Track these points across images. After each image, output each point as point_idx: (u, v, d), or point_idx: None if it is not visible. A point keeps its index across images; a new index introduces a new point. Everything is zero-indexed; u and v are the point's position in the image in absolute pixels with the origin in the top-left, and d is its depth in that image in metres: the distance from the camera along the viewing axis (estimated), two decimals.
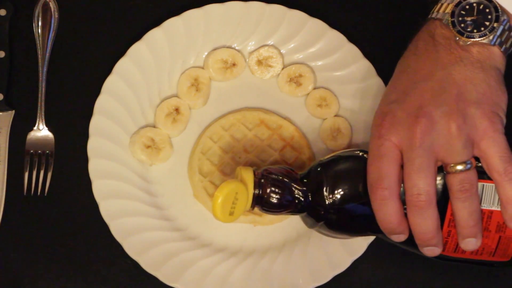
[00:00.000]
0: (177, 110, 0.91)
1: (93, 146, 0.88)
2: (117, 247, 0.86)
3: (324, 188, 0.79)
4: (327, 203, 0.79)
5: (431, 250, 0.77)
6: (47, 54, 0.93)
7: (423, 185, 0.74)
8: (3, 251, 0.88)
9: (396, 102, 0.77)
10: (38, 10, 0.94)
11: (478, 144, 0.74)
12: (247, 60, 0.94)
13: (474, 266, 0.81)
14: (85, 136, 0.89)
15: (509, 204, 0.74)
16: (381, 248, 0.87)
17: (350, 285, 0.87)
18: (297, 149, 0.90)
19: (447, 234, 0.77)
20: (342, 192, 0.78)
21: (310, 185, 0.80)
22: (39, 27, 0.94)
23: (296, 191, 0.80)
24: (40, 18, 0.94)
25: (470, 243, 0.76)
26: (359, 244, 0.86)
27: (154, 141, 0.90)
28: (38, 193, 0.89)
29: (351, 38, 0.92)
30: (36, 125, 0.91)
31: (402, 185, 0.76)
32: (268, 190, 0.80)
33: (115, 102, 0.90)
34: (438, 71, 0.76)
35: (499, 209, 0.76)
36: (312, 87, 0.93)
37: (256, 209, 0.88)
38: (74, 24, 0.95)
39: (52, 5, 0.94)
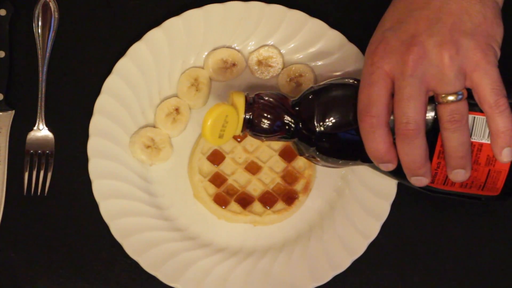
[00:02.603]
0: (177, 110, 0.91)
1: (93, 146, 0.88)
2: (117, 247, 0.86)
3: (315, 115, 0.79)
4: (317, 130, 0.79)
5: (419, 180, 0.77)
6: (47, 54, 0.93)
7: (412, 114, 0.74)
8: (3, 251, 0.88)
9: (390, 29, 0.77)
10: (38, 10, 0.94)
11: (470, 75, 0.74)
12: (247, 60, 0.94)
13: (465, 200, 0.82)
14: (85, 136, 0.89)
15: (499, 137, 0.74)
16: (381, 248, 0.88)
17: (350, 285, 0.87)
18: None
19: (436, 166, 0.78)
20: (332, 120, 0.79)
21: (302, 111, 0.80)
22: (39, 27, 0.94)
23: (287, 117, 0.80)
24: (40, 18, 0.94)
25: (459, 174, 0.76)
26: (359, 244, 0.86)
27: (154, 141, 0.90)
28: (38, 193, 0.89)
29: (351, 38, 0.92)
30: (36, 125, 0.91)
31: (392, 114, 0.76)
32: (259, 115, 0.80)
33: (115, 102, 0.90)
34: (434, 0, 0.76)
35: (489, 142, 0.76)
36: None
37: (256, 208, 0.88)
38: (74, 24, 0.95)
39: (52, 5, 0.94)
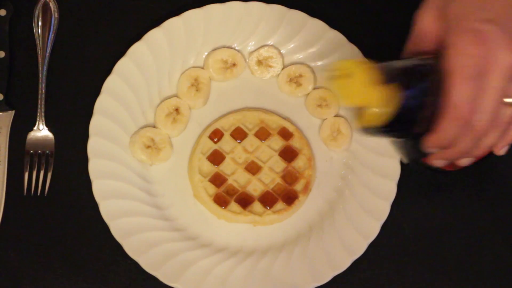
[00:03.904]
0: (177, 110, 0.91)
1: (93, 146, 0.88)
2: (117, 247, 0.86)
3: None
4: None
5: (442, 163, 0.78)
6: (47, 54, 0.93)
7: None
8: (3, 251, 0.88)
9: (493, 23, 0.71)
10: (38, 10, 0.94)
11: None
12: (247, 60, 0.94)
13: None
14: (85, 136, 0.89)
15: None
16: (381, 248, 0.88)
17: (350, 285, 0.87)
18: (297, 149, 0.90)
19: None
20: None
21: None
22: (39, 27, 0.94)
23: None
24: (40, 18, 0.94)
25: (467, 162, 0.78)
26: (359, 244, 0.86)
27: (154, 141, 0.90)
28: (38, 193, 0.89)
29: (351, 38, 0.92)
30: (36, 125, 0.91)
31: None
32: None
33: (115, 102, 0.90)
34: None
35: None
36: (312, 87, 0.93)
37: (256, 208, 0.88)
38: (74, 24, 0.95)
39: (52, 5, 0.94)
